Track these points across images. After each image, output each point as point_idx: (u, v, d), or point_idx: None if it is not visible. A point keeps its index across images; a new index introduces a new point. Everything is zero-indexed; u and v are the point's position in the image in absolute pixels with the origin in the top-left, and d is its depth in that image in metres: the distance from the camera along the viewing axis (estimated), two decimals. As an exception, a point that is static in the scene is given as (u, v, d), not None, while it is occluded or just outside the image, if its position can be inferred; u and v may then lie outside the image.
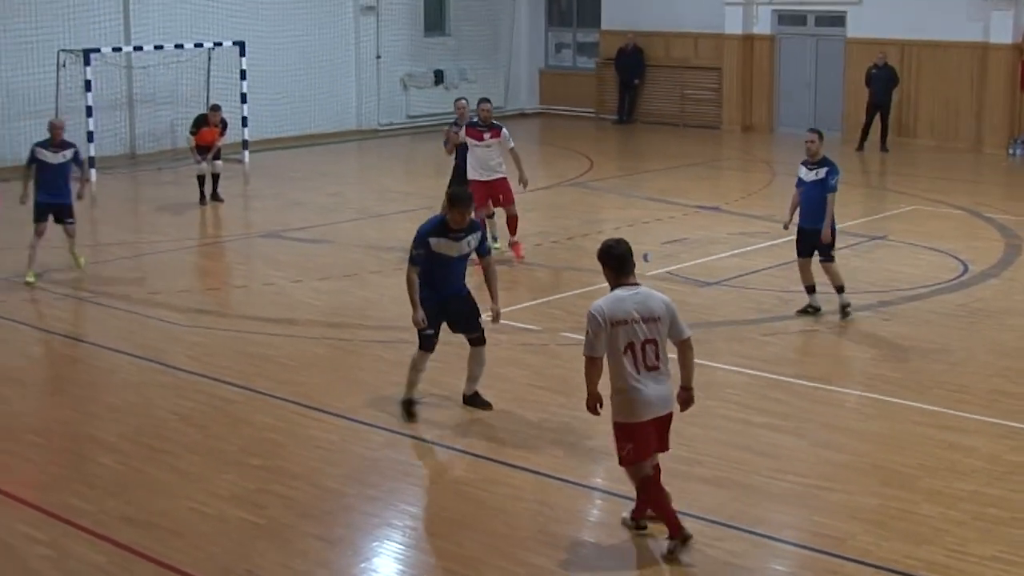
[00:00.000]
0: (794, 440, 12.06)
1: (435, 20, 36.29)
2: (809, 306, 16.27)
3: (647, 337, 9.80)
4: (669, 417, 10.02)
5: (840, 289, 16.15)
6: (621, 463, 9.97)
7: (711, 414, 12.53)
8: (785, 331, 15.75)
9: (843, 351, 15.15)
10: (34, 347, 15.73)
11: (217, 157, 24.51)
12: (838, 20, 32.50)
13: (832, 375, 14.11)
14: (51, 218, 18.60)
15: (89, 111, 26.93)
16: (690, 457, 11.45)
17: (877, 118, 30.49)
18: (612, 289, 10.10)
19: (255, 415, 12.78)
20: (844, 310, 16.12)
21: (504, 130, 18.95)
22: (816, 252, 16.01)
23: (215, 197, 24.54)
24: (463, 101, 19.99)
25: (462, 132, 19.15)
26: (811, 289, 16.24)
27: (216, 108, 24.92)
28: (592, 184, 26.10)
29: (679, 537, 9.66)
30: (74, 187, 18.96)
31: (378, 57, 34.43)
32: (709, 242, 20.53)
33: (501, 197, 19.13)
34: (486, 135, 18.76)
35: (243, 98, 29.19)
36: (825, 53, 32.86)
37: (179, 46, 29.25)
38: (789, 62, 33.50)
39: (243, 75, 29.11)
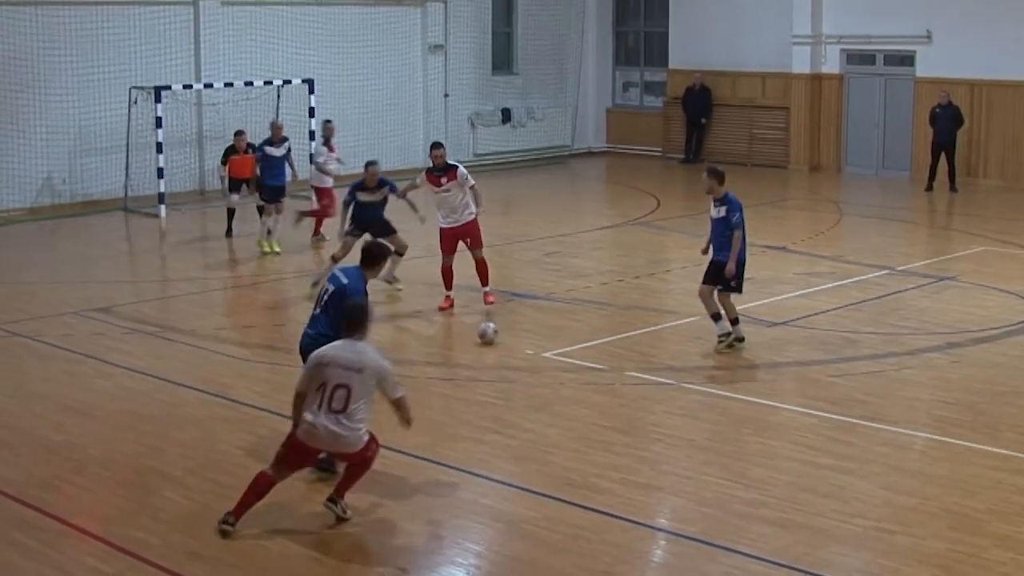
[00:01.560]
0: (861, 482, 11.94)
1: (503, 59, 36.45)
2: (720, 335, 16.47)
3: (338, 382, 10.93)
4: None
5: (734, 321, 16.48)
6: None
7: (777, 455, 12.45)
8: (852, 372, 15.62)
9: (911, 393, 14.99)
10: (101, 381, 15.83)
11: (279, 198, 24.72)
12: (907, 59, 32.32)
13: (899, 417, 13.95)
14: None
15: (159, 147, 27.22)
16: (756, 499, 11.37)
17: (944, 158, 30.27)
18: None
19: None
20: (732, 341, 16.43)
21: (460, 169, 18.81)
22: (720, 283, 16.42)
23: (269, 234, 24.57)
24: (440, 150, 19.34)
25: (420, 178, 19.21)
26: (715, 317, 16.50)
27: (240, 133, 25.01)
28: (658, 223, 26.05)
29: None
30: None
31: (446, 95, 34.59)
32: (775, 282, 20.41)
33: (469, 240, 18.82)
34: (443, 179, 18.64)
35: (311, 135, 29.38)
36: (894, 92, 32.69)
37: (248, 83, 29.53)
38: (857, 101, 33.34)
39: (311, 113, 29.30)
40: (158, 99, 27.23)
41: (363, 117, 32.60)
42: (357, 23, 32.72)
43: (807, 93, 33.69)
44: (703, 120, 35.61)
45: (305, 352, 12.05)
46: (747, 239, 16.50)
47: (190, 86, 28.98)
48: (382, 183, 19.97)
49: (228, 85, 29.27)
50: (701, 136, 35.88)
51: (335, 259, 18.98)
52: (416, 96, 34.13)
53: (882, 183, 31.91)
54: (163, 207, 27.13)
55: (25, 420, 13.93)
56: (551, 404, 14.28)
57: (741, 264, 16.46)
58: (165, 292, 21.16)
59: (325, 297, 12.44)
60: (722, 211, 16.44)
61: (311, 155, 25.97)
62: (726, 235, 16.38)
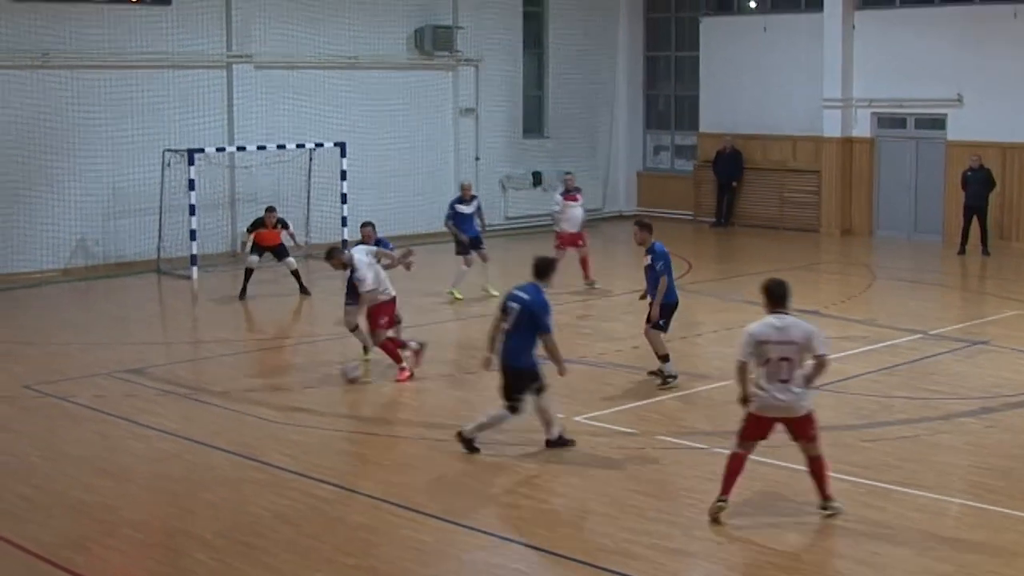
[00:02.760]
0: (896, 549, 11.82)
1: (534, 122, 36.61)
2: (667, 376, 17.72)
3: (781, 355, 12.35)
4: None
5: (663, 359, 17.72)
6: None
7: (810, 521, 12.36)
8: (885, 437, 15.52)
9: (945, 458, 14.87)
10: (133, 442, 15.84)
11: (285, 255, 25.08)
12: (938, 123, 32.31)
13: (934, 482, 13.83)
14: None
15: (192, 209, 27.37)
16: (790, 565, 11.29)
17: (976, 221, 30.18)
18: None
19: (350, 514, 12.78)
20: (664, 378, 17.70)
21: (387, 246, 19.78)
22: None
23: (303, 291, 25.00)
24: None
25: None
26: (664, 358, 17.73)
27: (271, 209, 25.50)
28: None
29: None
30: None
31: (477, 158, 34.73)
32: (808, 346, 20.30)
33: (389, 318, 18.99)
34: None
35: (343, 198, 29.51)
36: (925, 156, 32.66)
37: (281, 146, 29.70)
38: (889, 165, 33.31)
39: (343, 175, 29.44)
40: (191, 162, 27.41)
41: (394, 180, 32.75)
42: (389, 86, 32.94)
43: (838, 156, 33.68)
44: (734, 183, 35.65)
45: (505, 362, 14.40)
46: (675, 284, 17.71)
47: (223, 149, 29.17)
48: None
49: (261, 148, 29.46)
50: (732, 199, 35.90)
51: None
52: (447, 159, 34.27)
53: (914, 246, 31.82)
54: (195, 269, 27.24)
55: (57, 481, 13.95)
56: (583, 469, 14.22)
57: (670, 306, 17.89)
58: (197, 354, 21.23)
59: (513, 316, 14.19)
60: (648, 259, 17.79)
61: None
62: (654, 280, 17.75)
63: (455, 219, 25.25)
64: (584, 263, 25.89)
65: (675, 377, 17.88)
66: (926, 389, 16.44)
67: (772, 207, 35.46)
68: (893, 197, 33.28)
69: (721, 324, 22.08)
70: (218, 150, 28.94)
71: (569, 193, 26.13)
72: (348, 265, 18.69)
